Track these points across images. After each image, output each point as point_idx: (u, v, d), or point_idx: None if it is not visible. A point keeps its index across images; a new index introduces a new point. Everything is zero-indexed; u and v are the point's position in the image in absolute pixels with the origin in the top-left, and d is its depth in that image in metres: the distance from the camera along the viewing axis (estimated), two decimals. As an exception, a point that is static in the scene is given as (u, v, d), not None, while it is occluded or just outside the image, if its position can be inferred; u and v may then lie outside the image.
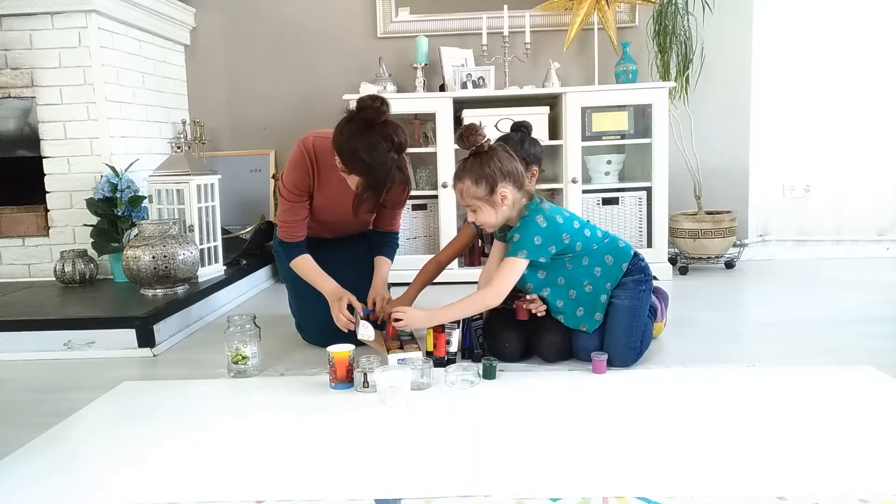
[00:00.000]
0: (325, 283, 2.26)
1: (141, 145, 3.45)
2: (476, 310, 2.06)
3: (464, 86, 3.54)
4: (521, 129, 2.32)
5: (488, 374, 1.98)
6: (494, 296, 2.00)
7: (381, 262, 2.42)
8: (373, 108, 2.01)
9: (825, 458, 1.43)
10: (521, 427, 1.64)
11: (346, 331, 2.16)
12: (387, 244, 2.45)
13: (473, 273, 2.45)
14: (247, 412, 1.82)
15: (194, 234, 2.95)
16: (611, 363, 2.02)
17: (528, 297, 2.12)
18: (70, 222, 3.25)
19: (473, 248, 3.39)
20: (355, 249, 2.51)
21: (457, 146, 2.03)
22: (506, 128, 3.31)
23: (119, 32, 3.31)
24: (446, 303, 2.05)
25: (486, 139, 2.00)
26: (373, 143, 2.00)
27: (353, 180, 2.10)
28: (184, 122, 3.62)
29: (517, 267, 1.98)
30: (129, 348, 2.41)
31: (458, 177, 2.02)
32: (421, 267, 2.42)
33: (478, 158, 1.99)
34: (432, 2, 3.85)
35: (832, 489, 1.29)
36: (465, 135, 1.99)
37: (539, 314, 2.11)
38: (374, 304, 2.30)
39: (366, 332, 2.15)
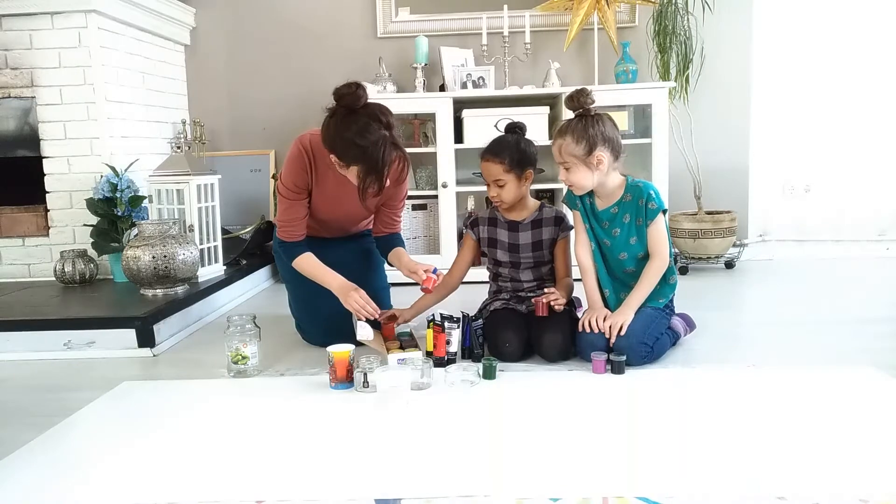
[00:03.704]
0: (332, 278, 2.25)
1: (141, 145, 3.44)
2: (656, 281, 2.12)
3: (464, 86, 3.54)
4: (517, 130, 2.29)
5: (488, 374, 1.98)
6: (665, 260, 2.11)
7: (398, 251, 2.40)
8: (350, 95, 2.01)
9: (825, 458, 1.43)
10: (521, 427, 1.64)
11: (365, 316, 2.15)
12: (394, 240, 2.44)
13: (473, 273, 2.44)
14: (247, 412, 1.81)
15: (194, 234, 2.95)
16: (627, 361, 2.02)
17: (546, 290, 2.15)
18: (70, 222, 3.25)
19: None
20: (355, 250, 2.51)
21: (566, 106, 2.13)
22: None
23: (119, 32, 3.31)
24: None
25: (594, 104, 2.07)
26: (362, 126, 2.00)
27: (351, 174, 2.09)
28: (184, 122, 3.62)
29: (664, 221, 2.12)
30: (129, 348, 2.41)
31: (560, 133, 2.09)
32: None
33: (583, 120, 2.07)
34: (432, 2, 3.85)
35: (832, 489, 1.29)
36: (576, 96, 2.07)
37: (557, 308, 2.13)
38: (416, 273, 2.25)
39: (364, 332, 2.15)
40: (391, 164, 2.08)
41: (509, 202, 2.25)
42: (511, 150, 2.21)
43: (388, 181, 2.13)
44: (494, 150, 2.23)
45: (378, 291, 2.39)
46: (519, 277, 2.31)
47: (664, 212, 2.11)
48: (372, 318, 2.19)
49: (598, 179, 2.09)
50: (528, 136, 2.29)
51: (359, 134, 2.00)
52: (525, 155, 2.23)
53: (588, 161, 2.05)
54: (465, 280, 2.35)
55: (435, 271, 2.24)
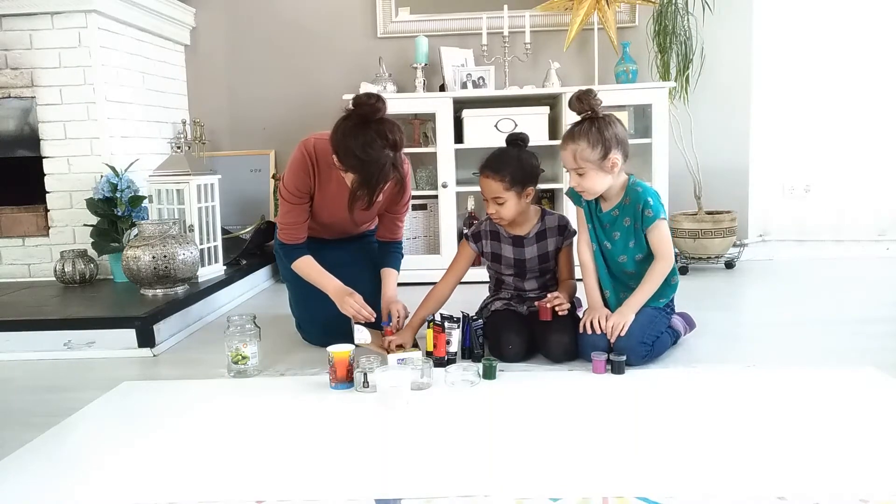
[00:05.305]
0: (329, 282, 2.26)
1: (141, 145, 3.45)
2: (660, 282, 2.09)
3: (464, 86, 3.54)
4: (518, 142, 2.19)
5: (488, 374, 1.98)
6: (669, 261, 2.08)
7: (387, 273, 2.40)
8: (368, 105, 2.01)
9: (825, 458, 1.43)
10: (521, 427, 1.64)
11: (361, 321, 2.16)
12: (390, 254, 2.44)
13: (473, 272, 2.44)
14: (247, 412, 1.81)
15: (194, 234, 2.95)
16: (627, 360, 2.02)
17: (549, 295, 2.13)
18: (70, 222, 3.25)
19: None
20: (356, 251, 2.50)
21: (570, 109, 2.09)
22: (506, 128, 3.34)
23: (119, 32, 3.31)
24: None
25: (602, 104, 2.03)
26: (367, 141, 2.00)
27: (349, 178, 2.10)
28: (184, 122, 3.62)
29: (665, 226, 2.09)
30: (129, 348, 2.41)
31: (572, 138, 2.03)
32: (425, 295, 2.33)
33: (595, 123, 2.02)
34: (432, 2, 3.85)
35: (832, 489, 1.30)
36: (583, 98, 2.02)
37: (562, 313, 2.11)
38: (390, 315, 2.26)
39: (362, 336, 2.15)
40: (385, 184, 2.08)
41: (509, 220, 2.18)
42: (513, 166, 2.12)
43: (380, 198, 2.13)
44: (494, 167, 2.13)
45: (377, 294, 2.39)
46: (524, 287, 2.30)
47: (663, 218, 2.08)
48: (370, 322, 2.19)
49: (610, 182, 2.07)
50: (528, 139, 2.23)
51: (362, 147, 2.00)
52: (527, 171, 2.14)
53: (603, 165, 2.02)
54: (465, 280, 2.35)
55: (390, 321, 2.23)
